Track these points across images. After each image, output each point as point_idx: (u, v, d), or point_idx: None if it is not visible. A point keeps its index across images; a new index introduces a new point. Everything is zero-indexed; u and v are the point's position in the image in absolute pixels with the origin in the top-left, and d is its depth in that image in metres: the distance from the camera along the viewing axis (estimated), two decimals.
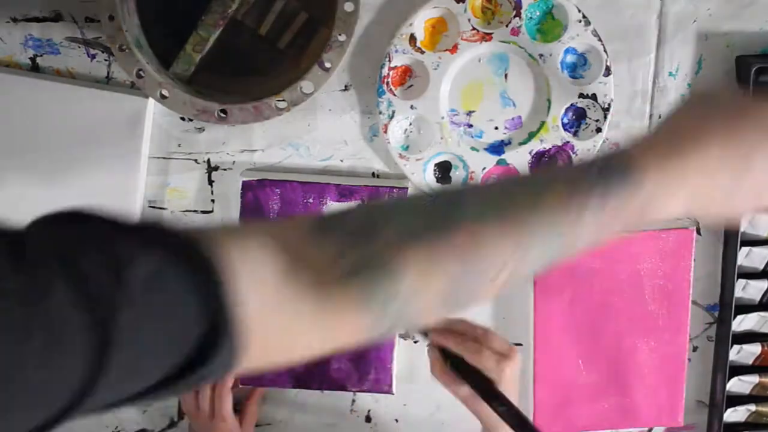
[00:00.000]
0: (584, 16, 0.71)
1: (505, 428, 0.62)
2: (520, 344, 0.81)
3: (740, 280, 0.77)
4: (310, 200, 0.76)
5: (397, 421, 0.84)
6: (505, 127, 0.75)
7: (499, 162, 0.75)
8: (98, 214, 0.35)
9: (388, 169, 0.77)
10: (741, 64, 0.73)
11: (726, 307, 0.78)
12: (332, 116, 0.76)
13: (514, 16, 0.71)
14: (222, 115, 0.71)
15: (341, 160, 0.77)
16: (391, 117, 0.73)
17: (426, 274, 0.39)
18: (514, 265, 0.41)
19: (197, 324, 0.35)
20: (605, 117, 0.73)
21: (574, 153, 0.74)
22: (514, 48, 0.72)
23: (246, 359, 0.36)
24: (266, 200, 0.76)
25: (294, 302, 0.38)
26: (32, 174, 0.75)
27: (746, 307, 0.78)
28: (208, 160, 0.77)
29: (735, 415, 0.80)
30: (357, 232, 0.40)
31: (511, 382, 0.63)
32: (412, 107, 0.73)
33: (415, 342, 0.81)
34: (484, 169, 0.75)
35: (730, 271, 0.77)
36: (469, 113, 0.75)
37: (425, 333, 0.66)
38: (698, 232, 0.78)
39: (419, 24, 0.72)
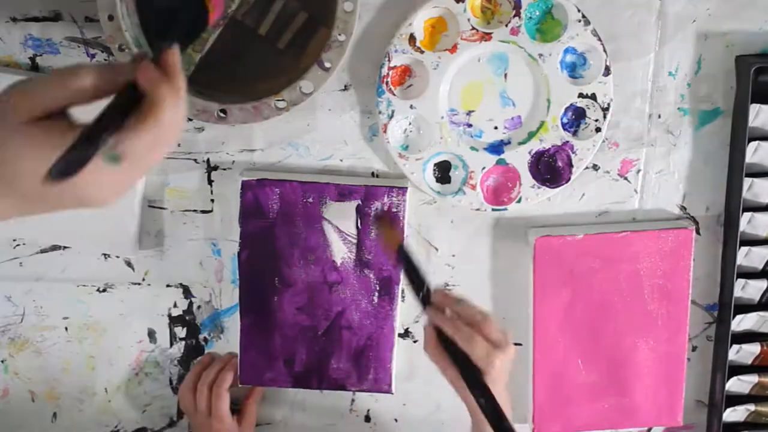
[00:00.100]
0: (584, 16, 0.71)
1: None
2: (520, 344, 0.81)
3: (739, 280, 0.77)
4: (310, 200, 0.76)
5: (396, 420, 0.84)
6: (505, 127, 0.75)
7: (499, 162, 0.75)
8: None
9: (388, 168, 0.77)
10: (740, 64, 0.73)
11: (725, 306, 0.78)
12: (332, 116, 0.76)
13: (514, 16, 0.71)
14: (222, 115, 0.71)
15: (341, 160, 0.77)
16: (391, 117, 0.73)
17: None
18: None
19: None
20: (605, 117, 0.73)
21: (573, 153, 0.74)
22: (513, 48, 0.72)
23: None
24: (266, 200, 0.76)
25: None
26: None
27: (745, 307, 0.78)
28: (208, 160, 0.77)
29: (734, 414, 0.80)
30: None
31: (501, 374, 0.62)
32: (411, 107, 0.73)
33: (415, 342, 0.81)
34: (483, 168, 0.75)
35: (729, 271, 0.77)
36: (469, 113, 0.75)
37: (424, 303, 0.65)
38: (698, 232, 0.79)
39: (419, 24, 0.72)
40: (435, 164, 0.76)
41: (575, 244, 0.77)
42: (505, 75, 0.74)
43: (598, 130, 0.74)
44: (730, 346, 0.78)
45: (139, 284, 0.81)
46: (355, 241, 0.77)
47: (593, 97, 0.73)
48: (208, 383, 0.77)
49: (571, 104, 0.74)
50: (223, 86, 0.73)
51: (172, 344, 0.83)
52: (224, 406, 0.77)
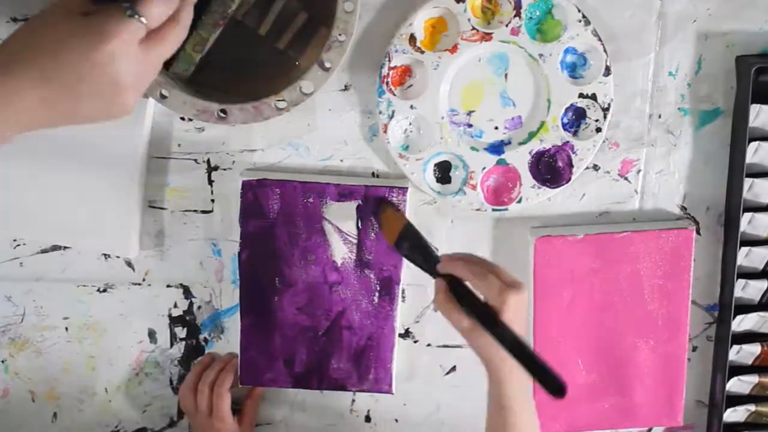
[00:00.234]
0: (584, 16, 0.71)
1: (506, 363, 0.61)
2: None
3: (740, 280, 0.77)
4: (310, 200, 0.76)
5: (396, 421, 0.84)
6: (505, 127, 0.75)
7: (499, 162, 0.75)
8: None
9: (388, 168, 0.77)
10: (741, 64, 0.73)
11: (726, 307, 0.78)
12: (332, 116, 0.76)
13: (514, 16, 0.71)
14: (222, 115, 0.71)
15: (341, 160, 0.77)
16: (391, 117, 0.73)
17: None
18: None
19: None
20: (605, 117, 0.73)
21: (573, 153, 0.74)
22: (514, 48, 0.72)
23: None
24: (266, 200, 0.76)
25: None
26: (32, 174, 0.75)
27: (746, 307, 0.78)
28: (208, 160, 0.77)
29: (735, 415, 0.80)
30: None
31: (517, 316, 0.61)
32: (411, 107, 0.73)
33: (415, 342, 0.81)
34: (483, 169, 0.75)
35: (729, 271, 0.77)
36: (469, 113, 0.75)
37: (435, 261, 0.65)
38: (698, 232, 0.79)
39: (419, 24, 0.72)
40: (435, 164, 0.76)
41: (575, 244, 0.77)
42: (506, 75, 0.74)
43: (598, 130, 0.74)
44: (731, 346, 0.78)
45: (140, 284, 0.81)
46: (355, 241, 0.77)
47: (593, 97, 0.73)
48: (209, 383, 0.77)
49: (572, 104, 0.74)
50: (223, 86, 0.73)
51: (172, 344, 0.83)
52: (225, 406, 0.77)
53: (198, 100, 0.70)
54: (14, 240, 0.79)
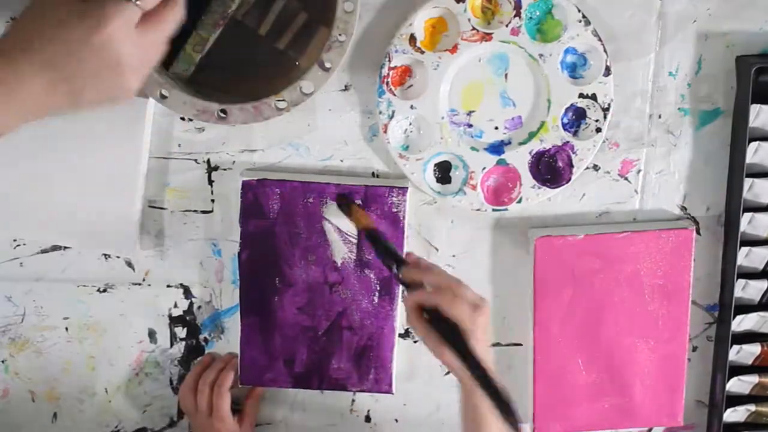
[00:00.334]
0: (584, 16, 0.71)
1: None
2: (520, 344, 0.81)
3: (740, 280, 0.77)
4: (311, 200, 0.76)
5: (396, 421, 0.84)
6: (505, 127, 0.75)
7: (499, 162, 0.75)
8: None
9: (388, 168, 0.77)
10: (741, 64, 0.73)
11: (726, 307, 0.78)
12: (332, 116, 0.76)
13: (514, 16, 0.71)
14: (222, 115, 0.71)
15: (341, 160, 0.77)
16: (391, 117, 0.73)
17: None
18: None
19: None
20: (605, 117, 0.73)
21: (574, 153, 0.74)
22: (514, 48, 0.72)
23: None
24: (266, 200, 0.76)
25: None
26: (32, 174, 0.75)
27: (746, 307, 0.78)
28: (208, 160, 0.77)
29: (735, 415, 0.80)
30: None
31: (484, 333, 0.64)
32: (411, 107, 0.73)
33: (415, 342, 0.81)
34: (484, 169, 0.75)
35: (729, 271, 0.77)
36: (469, 113, 0.75)
37: (404, 284, 0.66)
38: (698, 232, 0.79)
39: (419, 24, 0.72)
40: (435, 164, 0.76)
41: (576, 244, 0.77)
42: (506, 75, 0.74)
43: (598, 130, 0.74)
44: (731, 346, 0.78)
45: (140, 284, 0.81)
46: (355, 241, 0.77)
47: (593, 97, 0.73)
48: (209, 383, 0.77)
49: (572, 104, 0.74)
50: (224, 86, 0.73)
51: (172, 344, 0.83)
52: (225, 406, 0.77)
53: (198, 100, 0.70)
54: (14, 240, 0.79)
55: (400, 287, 0.77)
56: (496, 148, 0.75)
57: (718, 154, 0.77)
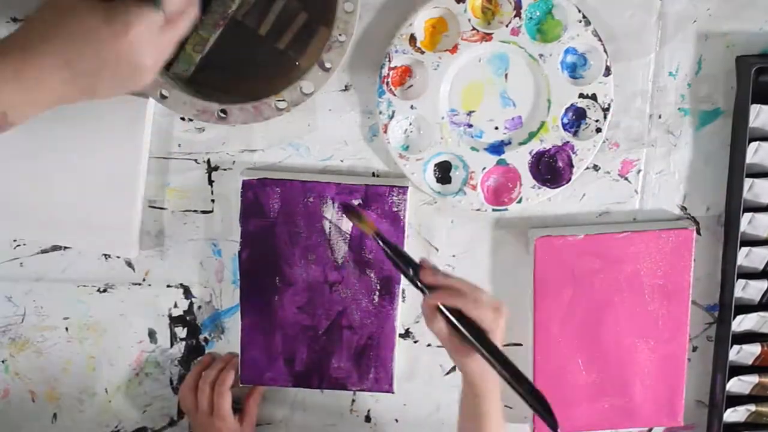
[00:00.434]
0: (584, 16, 0.71)
1: (487, 380, 0.64)
2: (520, 344, 0.81)
3: (740, 280, 0.77)
4: (311, 199, 0.76)
5: (397, 421, 0.84)
6: (505, 127, 0.75)
7: (499, 162, 0.75)
8: None
9: (388, 168, 0.77)
10: (741, 64, 0.73)
11: (726, 307, 0.78)
12: (332, 116, 0.76)
13: (514, 16, 0.71)
14: (222, 115, 0.71)
15: (341, 160, 0.77)
16: (391, 117, 0.73)
17: None
18: None
19: None
20: (605, 117, 0.73)
21: (574, 153, 0.74)
22: (514, 48, 0.72)
23: None
24: (266, 199, 0.76)
25: None
26: (32, 174, 0.75)
27: (746, 308, 0.78)
28: (208, 160, 0.77)
29: (735, 415, 0.80)
30: None
31: (502, 334, 0.64)
32: (412, 107, 0.73)
33: (416, 342, 0.81)
34: (484, 169, 0.75)
35: (730, 271, 0.77)
36: (469, 113, 0.75)
37: (423, 287, 0.65)
38: (698, 232, 0.79)
39: (419, 24, 0.72)
40: (435, 164, 0.76)
41: (576, 244, 0.77)
42: (506, 75, 0.74)
43: (598, 130, 0.74)
44: (731, 346, 0.78)
45: (140, 284, 0.81)
46: (354, 239, 0.77)
47: (594, 97, 0.73)
48: (209, 382, 0.78)
49: (572, 104, 0.74)
50: (224, 86, 0.73)
51: (172, 344, 0.83)
52: (226, 405, 0.77)
53: (198, 100, 0.70)
54: (14, 240, 0.79)
55: (401, 288, 0.77)
56: (496, 148, 0.75)
57: (718, 154, 0.77)
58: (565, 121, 0.75)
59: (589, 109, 0.74)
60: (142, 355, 0.83)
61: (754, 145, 0.74)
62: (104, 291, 0.81)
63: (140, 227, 0.78)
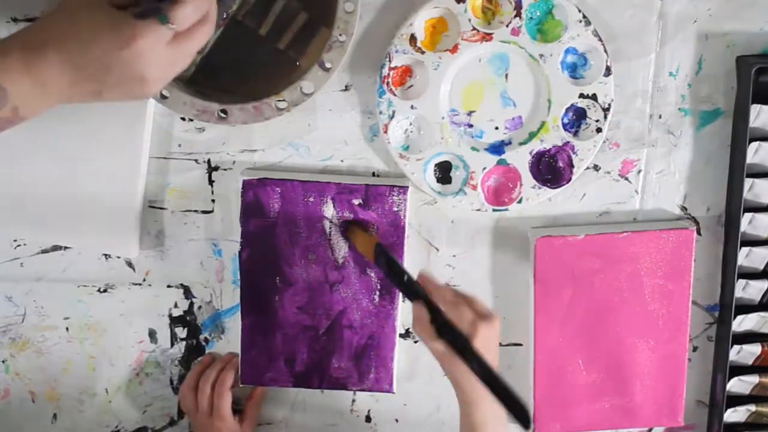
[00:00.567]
0: (584, 16, 0.71)
1: (477, 388, 0.63)
2: (521, 344, 0.81)
3: (740, 281, 0.77)
4: (311, 199, 0.76)
5: (397, 420, 0.84)
6: (506, 127, 0.75)
7: (500, 162, 0.75)
8: None
9: (389, 168, 0.77)
10: (741, 64, 0.73)
11: (726, 307, 0.78)
12: (332, 116, 0.76)
13: (515, 16, 0.71)
14: (222, 115, 0.71)
15: (341, 160, 0.77)
16: (392, 117, 0.73)
17: None
18: None
19: None
20: (605, 117, 0.73)
21: (574, 153, 0.74)
22: (514, 48, 0.72)
23: None
24: (267, 199, 0.76)
25: None
26: (33, 174, 0.75)
27: (746, 308, 0.78)
28: (209, 160, 0.77)
29: (735, 415, 0.80)
30: None
31: (488, 344, 0.63)
32: (412, 107, 0.73)
33: (416, 342, 0.81)
34: (484, 169, 0.75)
35: (730, 272, 0.77)
36: (470, 113, 0.75)
37: (408, 293, 0.67)
38: (699, 232, 0.79)
39: (419, 24, 0.72)
40: (436, 164, 0.76)
41: (576, 244, 0.77)
42: (506, 75, 0.74)
43: (598, 130, 0.74)
44: (731, 346, 0.78)
45: (140, 284, 0.81)
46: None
47: (594, 97, 0.73)
48: (210, 382, 0.78)
49: (572, 104, 0.74)
50: (224, 86, 0.73)
51: (172, 344, 0.83)
52: (226, 405, 0.77)
53: (198, 101, 0.70)
54: (14, 240, 0.79)
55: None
56: (497, 148, 0.75)
57: (718, 154, 0.77)
58: (566, 121, 0.75)
59: (589, 109, 0.74)
60: (143, 355, 0.83)
61: (754, 145, 0.74)
62: (104, 291, 0.81)
63: (140, 227, 0.78)
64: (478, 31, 0.71)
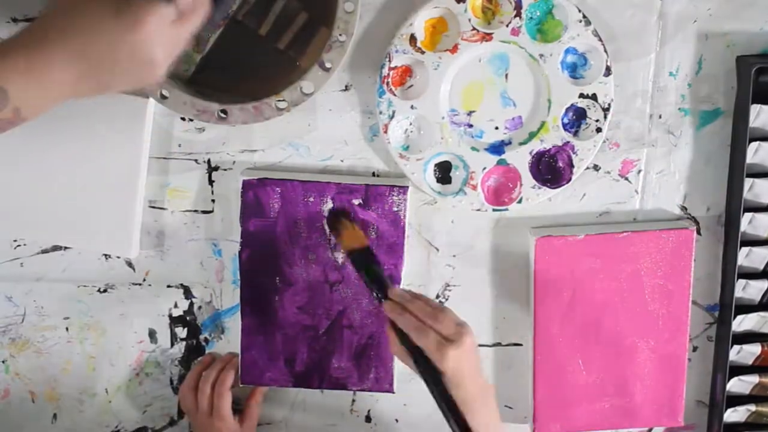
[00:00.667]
0: (584, 16, 0.71)
1: (476, 400, 0.63)
2: (520, 344, 0.81)
3: (740, 281, 0.77)
4: (311, 199, 0.76)
5: (397, 421, 0.84)
6: (506, 127, 0.75)
7: (500, 162, 0.75)
8: None
9: (389, 168, 0.77)
10: (741, 64, 0.73)
11: (726, 307, 0.78)
12: (332, 116, 0.76)
13: (515, 16, 0.71)
14: (222, 115, 0.71)
15: (341, 160, 0.77)
16: (392, 117, 0.73)
17: None
18: None
19: None
20: (605, 117, 0.73)
21: (574, 153, 0.74)
22: (514, 48, 0.72)
23: None
24: (267, 199, 0.76)
25: None
26: (32, 174, 0.75)
27: (746, 308, 0.78)
28: (209, 161, 0.77)
29: (735, 415, 0.80)
30: None
31: (459, 365, 0.62)
32: (412, 107, 0.73)
33: None
34: (484, 169, 0.75)
35: (730, 271, 0.77)
36: (470, 113, 0.75)
37: (384, 290, 0.66)
38: (699, 232, 0.79)
39: (419, 24, 0.72)
40: (436, 164, 0.76)
41: (576, 244, 0.77)
42: (506, 75, 0.74)
43: (598, 130, 0.74)
44: (731, 346, 0.78)
45: (140, 285, 0.81)
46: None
47: (594, 97, 0.73)
48: (210, 382, 0.78)
49: (572, 104, 0.74)
50: (224, 86, 0.73)
51: (172, 344, 0.83)
52: (226, 405, 0.77)
53: (198, 101, 0.70)
54: (14, 240, 0.79)
55: (401, 288, 0.77)
56: (497, 148, 0.75)
57: (718, 154, 0.77)
58: (566, 121, 0.75)
59: (589, 109, 0.74)
60: (143, 355, 0.83)
61: (754, 145, 0.74)
62: (104, 291, 0.81)
63: (140, 227, 0.78)
64: (478, 31, 0.71)
